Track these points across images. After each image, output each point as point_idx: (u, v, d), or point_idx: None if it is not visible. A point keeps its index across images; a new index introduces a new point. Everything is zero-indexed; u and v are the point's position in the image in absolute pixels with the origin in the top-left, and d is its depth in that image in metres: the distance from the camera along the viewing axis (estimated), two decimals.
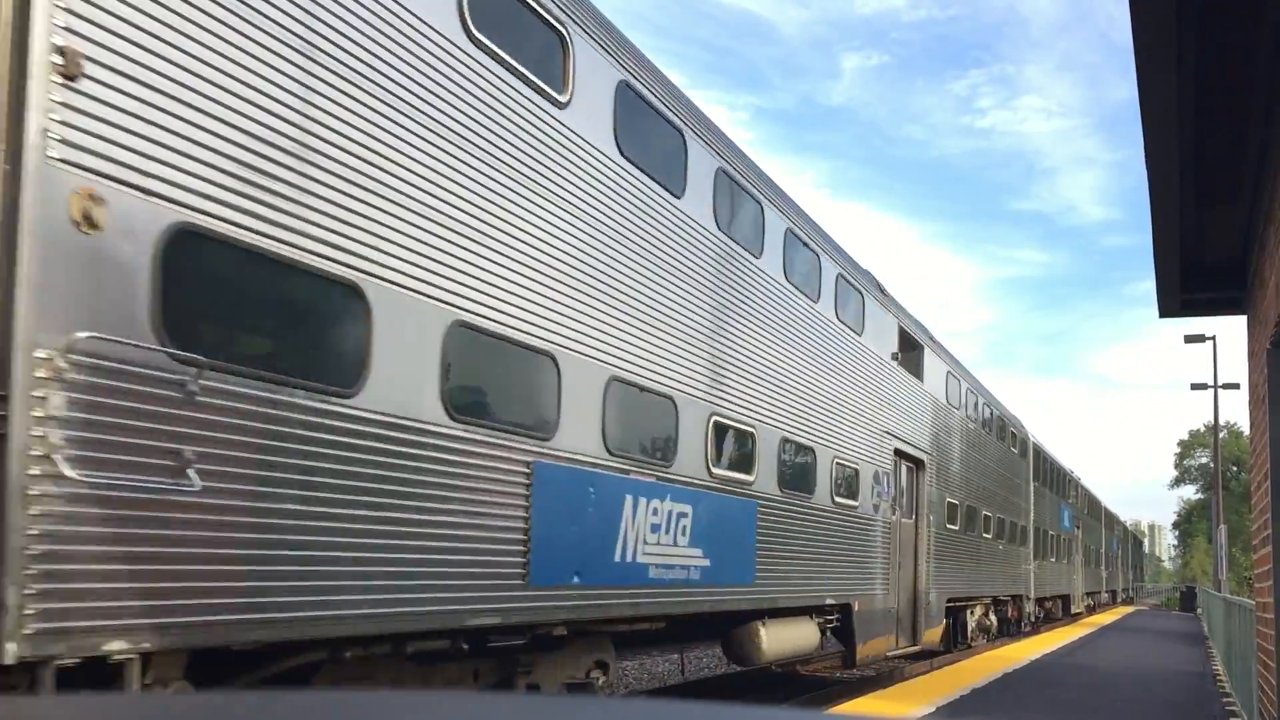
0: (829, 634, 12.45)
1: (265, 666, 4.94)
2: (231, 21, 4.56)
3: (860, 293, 13.18)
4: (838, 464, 12.11)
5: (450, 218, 5.82)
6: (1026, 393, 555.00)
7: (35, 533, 3.65)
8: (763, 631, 10.30)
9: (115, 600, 3.89)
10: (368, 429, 5.11)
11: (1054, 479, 31.28)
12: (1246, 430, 12.12)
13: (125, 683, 3.91)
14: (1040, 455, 28.22)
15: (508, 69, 6.33)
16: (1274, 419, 6.93)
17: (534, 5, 6.63)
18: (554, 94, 6.82)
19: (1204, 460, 75.81)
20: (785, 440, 10.55)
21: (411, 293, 5.47)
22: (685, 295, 8.43)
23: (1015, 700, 11.75)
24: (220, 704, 1.10)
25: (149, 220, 4.14)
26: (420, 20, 5.61)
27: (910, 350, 15.37)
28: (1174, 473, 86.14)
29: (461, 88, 5.94)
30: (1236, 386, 33.22)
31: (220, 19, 4.51)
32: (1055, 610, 31.97)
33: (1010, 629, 23.95)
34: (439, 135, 5.77)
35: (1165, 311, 9.15)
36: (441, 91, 5.80)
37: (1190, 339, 33.10)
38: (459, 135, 5.92)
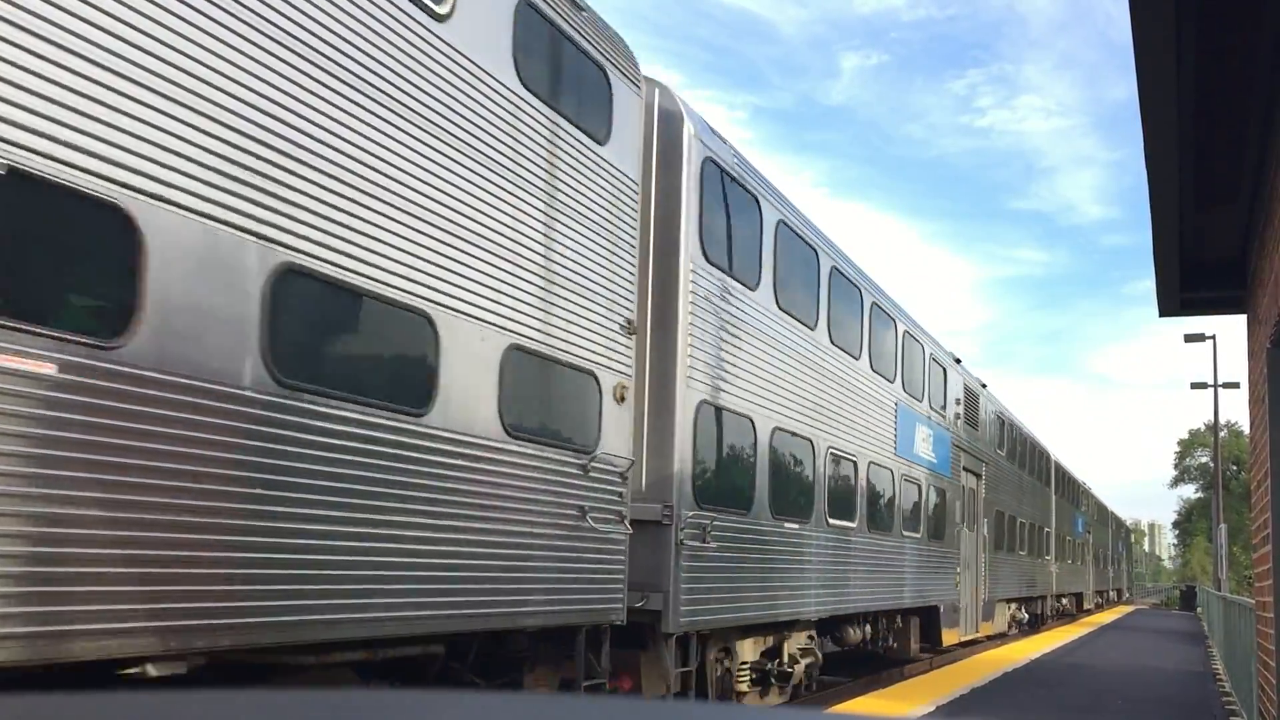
0: None
1: None
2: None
3: None
4: None
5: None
6: (1026, 392, 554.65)
7: None
8: None
9: None
10: None
11: (900, 351, 14.83)
12: (1247, 430, 12.11)
13: None
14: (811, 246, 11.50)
15: None
16: (1274, 418, 6.92)
17: None
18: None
19: (1204, 460, 75.63)
20: None
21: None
22: None
23: (1015, 700, 11.74)
24: (220, 704, 1.10)
25: None
26: None
27: None
28: (1174, 472, 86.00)
29: None
30: (1236, 386, 33.18)
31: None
32: (888, 642, 14.82)
33: None
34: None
35: (1165, 311, 9.15)
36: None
37: (1190, 338, 33.07)
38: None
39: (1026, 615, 25.42)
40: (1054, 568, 29.82)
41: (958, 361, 18.88)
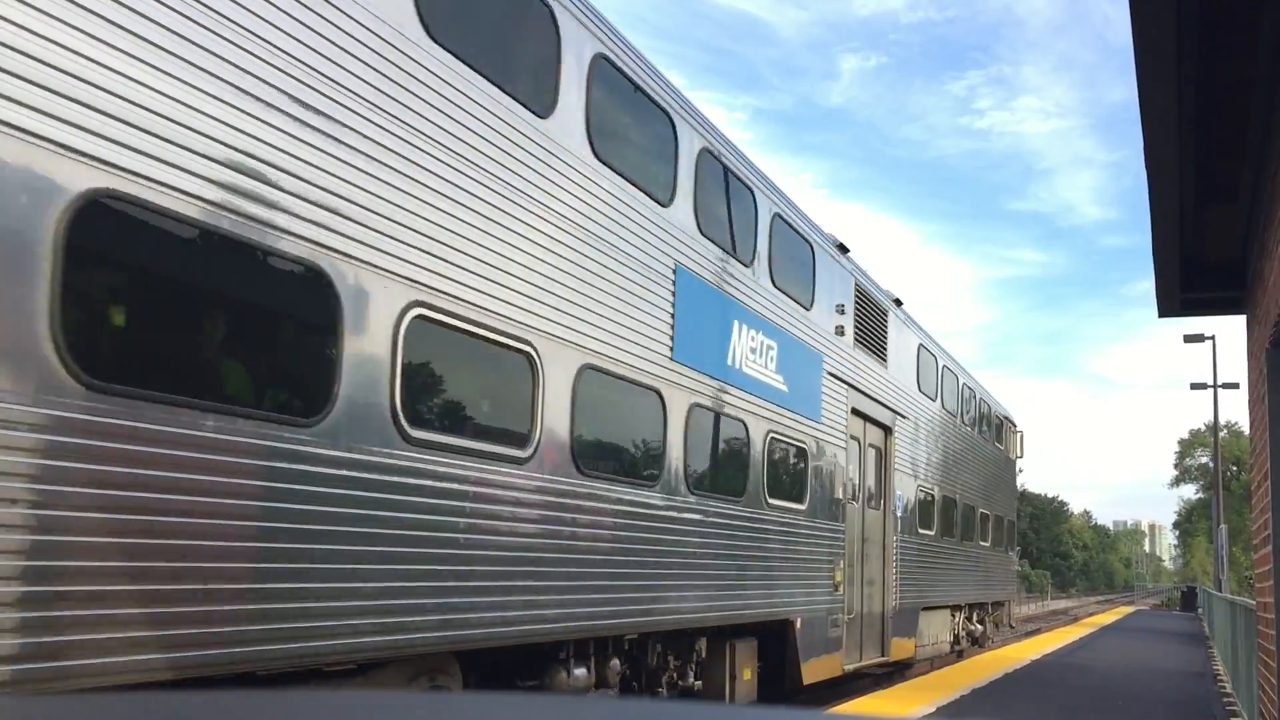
0: None
1: None
2: None
3: None
4: None
5: None
6: (1025, 392, 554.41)
7: None
8: None
9: None
10: None
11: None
12: (1247, 430, 12.12)
13: None
14: None
15: None
16: (1274, 418, 6.92)
17: None
18: None
19: (1204, 460, 75.63)
20: None
21: None
22: None
23: (1015, 700, 11.74)
24: (220, 704, 1.10)
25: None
26: None
27: None
28: (1174, 472, 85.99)
29: None
30: (1236, 386, 33.24)
31: None
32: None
33: None
34: None
35: (1165, 311, 9.15)
36: None
37: (1190, 339, 33.12)
38: None
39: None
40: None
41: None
